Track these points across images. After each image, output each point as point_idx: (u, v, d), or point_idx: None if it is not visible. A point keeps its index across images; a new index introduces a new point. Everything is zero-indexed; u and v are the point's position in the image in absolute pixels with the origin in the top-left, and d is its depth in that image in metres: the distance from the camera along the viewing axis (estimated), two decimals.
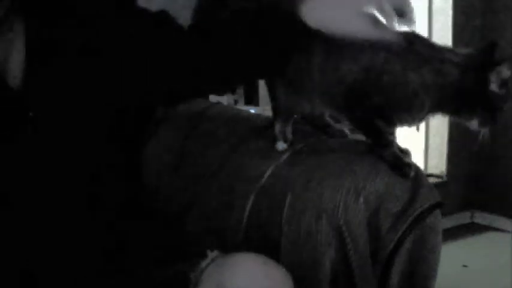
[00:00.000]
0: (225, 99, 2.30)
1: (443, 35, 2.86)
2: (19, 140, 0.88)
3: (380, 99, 0.97)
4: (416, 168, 1.03)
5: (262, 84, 1.88)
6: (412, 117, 0.99)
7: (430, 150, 3.22)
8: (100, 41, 0.92)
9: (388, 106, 0.97)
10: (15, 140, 0.88)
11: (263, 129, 1.17)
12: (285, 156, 1.09)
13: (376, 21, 0.90)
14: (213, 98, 2.26)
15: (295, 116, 1.13)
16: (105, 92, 0.92)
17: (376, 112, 0.98)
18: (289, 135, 1.12)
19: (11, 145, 0.87)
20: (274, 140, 1.12)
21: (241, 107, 2.26)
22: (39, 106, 0.88)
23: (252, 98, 2.41)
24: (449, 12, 2.89)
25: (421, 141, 3.21)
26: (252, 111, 1.93)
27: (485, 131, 0.96)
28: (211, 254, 0.89)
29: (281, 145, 1.11)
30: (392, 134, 1.01)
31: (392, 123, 1.00)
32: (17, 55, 0.88)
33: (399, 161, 1.00)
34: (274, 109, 1.14)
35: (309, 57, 1.01)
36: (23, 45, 0.89)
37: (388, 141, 1.00)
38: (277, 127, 1.12)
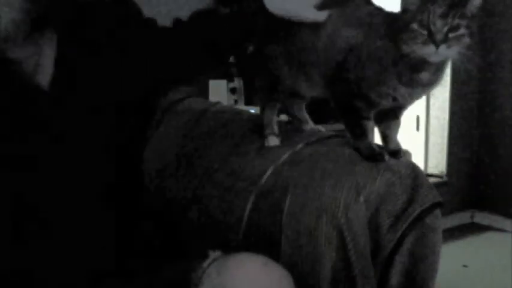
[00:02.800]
0: (225, 99, 2.30)
1: None
2: (46, 141, 0.89)
3: (358, 73, 0.97)
4: (416, 168, 1.03)
5: None
6: (391, 89, 0.97)
7: (430, 150, 3.22)
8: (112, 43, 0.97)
9: (364, 81, 0.98)
10: (43, 142, 0.89)
11: (263, 129, 1.17)
12: (285, 156, 1.09)
13: None
14: (213, 98, 2.26)
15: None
16: (122, 88, 0.97)
17: (355, 88, 0.99)
18: (277, 129, 1.13)
19: (38, 148, 0.89)
20: (264, 136, 1.13)
21: (241, 107, 2.26)
22: (68, 107, 0.91)
23: (252, 98, 2.40)
24: None
25: (421, 141, 3.21)
26: (252, 111, 1.93)
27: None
28: (213, 254, 0.89)
29: (272, 141, 1.12)
30: (370, 118, 1.02)
31: (371, 103, 1.00)
32: (47, 60, 0.91)
33: (373, 151, 1.02)
34: (262, 89, 1.16)
35: (317, 33, 1.02)
36: (52, 50, 0.92)
37: (363, 131, 1.01)
38: (266, 116, 1.13)
